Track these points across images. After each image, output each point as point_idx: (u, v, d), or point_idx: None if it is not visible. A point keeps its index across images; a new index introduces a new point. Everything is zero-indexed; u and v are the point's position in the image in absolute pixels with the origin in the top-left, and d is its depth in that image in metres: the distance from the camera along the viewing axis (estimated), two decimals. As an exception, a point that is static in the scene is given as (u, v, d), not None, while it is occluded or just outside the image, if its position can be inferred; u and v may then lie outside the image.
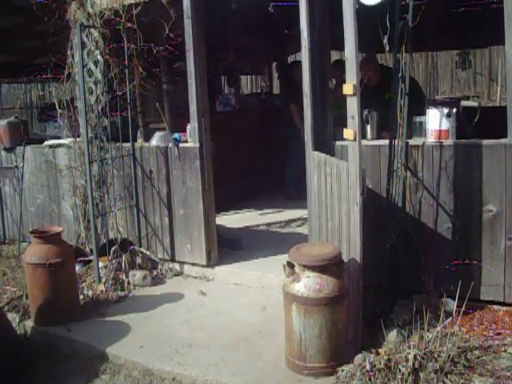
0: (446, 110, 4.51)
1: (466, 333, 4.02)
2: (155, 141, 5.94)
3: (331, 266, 3.72)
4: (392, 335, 3.97)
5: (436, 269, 4.43)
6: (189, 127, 5.67)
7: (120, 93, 5.82)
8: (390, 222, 4.50)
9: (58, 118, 6.41)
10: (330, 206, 4.40)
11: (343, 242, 4.16)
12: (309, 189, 4.92)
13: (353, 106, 3.79)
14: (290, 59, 11.69)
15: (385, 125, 5.39)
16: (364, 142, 4.52)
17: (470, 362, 3.63)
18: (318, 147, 4.78)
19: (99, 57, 5.75)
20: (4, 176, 7.39)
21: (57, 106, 6.24)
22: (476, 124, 4.66)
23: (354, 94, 3.75)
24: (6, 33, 7.45)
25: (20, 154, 7.15)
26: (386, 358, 3.58)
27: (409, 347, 3.63)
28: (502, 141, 4.25)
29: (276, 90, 12.58)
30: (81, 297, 5.23)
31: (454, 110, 4.54)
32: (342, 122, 4.12)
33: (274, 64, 11.87)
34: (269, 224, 7.24)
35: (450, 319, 3.87)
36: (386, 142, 4.58)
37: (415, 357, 3.49)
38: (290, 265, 3.81)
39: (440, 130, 4.51)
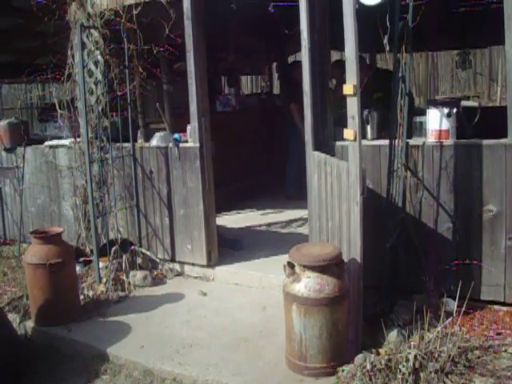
0: (446, 110, 4.51)
1: (466, 333, 4.02)
2: (155, 141, 5.94)
3: (331, 266, 3.72)
4: (392, 335, 3.97)
5: (436, 269, 4.43)
6: (189, 127, 5.67)
7: (120, 93, 5.82)
8: (391, 221, 4.50)
9: (58, 119, 6.41)
10: (330, 206, 4.41)
11: (343, 241, 4.16)
12: (309, 189, 4.92)
13: (353, 106, 3.79)
14: (290, 59, 11.69)
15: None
16: (364, 142, 4.52)
17: (471, 362, 3.63)
18: (318, 147, 4.78)
19: (99, 57, 5.75)
20: (4, 176, 7.39)
21: (57, 107, 6.24)
22: (476, 124, 4.66)
23: (354, 94, 3.75)
24: (7, 33, 7.45)
25: (20, 154, 7.16)
26: (386, 357, 3.58)
27: (409, 347, 3.63)
28: (502, 141, 4.25)
29: (276, 90, 12.58)
30: (81, 297, 5.23)
31: (455, 110, 4.54)
32: (342, 122, 4.12)
33: (274, 64, 11.88)
34: (269, 224, 7.24)
35: (450, 319, 3.87)
36: (386, 142, 4.58)
37: (416, 357, 3.49)
38: (291, 265, 3.81)
39: (440, 130, 4.51)
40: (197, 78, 5.47)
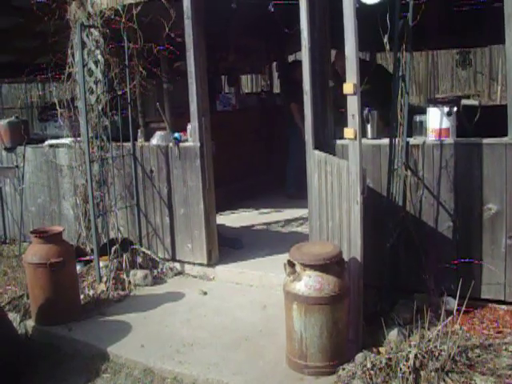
0: (446, 109, 4.51)
1: (466, 331, 4.03)
2: (156, 140, 5.94)
3: (332, 265, 3.72)
4: (393, 334, 3.97)
5: (437, 268, 4.43)
6: (189, 127, 5.67)
7: (120, 92, 5.82)
8: (391, 220, 4.50)
9: (58, 118, 6.41)
10: (330, 205, 4.41)
11: (344, 240, 4.16)
12: (309, 188, 4.92)
13: (353, 104, 3.79)
14: (290, 59, 11.70)
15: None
16: (364, 140, 4.52)
17: (471, 361, 3.63)
18: (318, 146, 4.78)
19: (99, 56, 5.74)
20: (4, 176, 7.39)
21: (57, 106, 6.24)
22: (476, 123, 4.66)
23: (354, 93, 3.75)
24: (7, 33, 7.45)
25: (20, 153, 7.16)
26: (386, 356, 3.58)
27: (410, 346, 3.63)
28: (503, 139, 4.25)
29: (276, 90, 12.58)
30: (82, 296, 5.23)
31: (455, 109, 4.54)
32: (343, 122, 4.12)
33: (275, 63, 11.88)
34: (269, 223, 7.24)
35: (450, 318, 3.87)
36: (386, 141, 4.58)
37: (416, 356, 3.49)
38: (291, 264, 3.82)
39: (440, 129, 4.51)
40: (197, 78, 5.47)
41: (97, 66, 5.78)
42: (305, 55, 4.65)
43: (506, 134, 4.22)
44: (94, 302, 5.23)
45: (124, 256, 5.70)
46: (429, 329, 3.77)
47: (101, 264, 5.59)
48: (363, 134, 4.65)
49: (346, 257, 3.97)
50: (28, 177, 7.19)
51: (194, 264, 5.84)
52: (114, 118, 5.90)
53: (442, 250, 4.54)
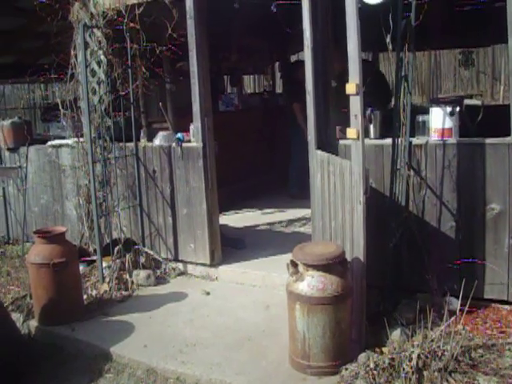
0: (449, 109, 4.51)
1: (469, 331, 4.03)
2: (158, 140, 5.94)
3: (335, 265, 3.72)
4: (396, 334, 3.97)
5: (440, 268, 4.43)
6: (192, 127, 5.68)
7: (123, 93, 5.83)
8: (394, 220, 4.50)
9: (61, 118, 6.42)
10: (333, 205, 4.40)
11: (347, 241, 4.16)
12: (312, 188, 4.92)
13: (356, 104, 3.79)
14: (293, 59, 11.69)
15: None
16: (367, 141, 4.52)
17: (474, 361, 3.63)
18: (321, 146, 4.77)
19: (102, 57, 5.75)
20: (8, 176, 7.40)
21: (60, 106, 6.25)
22: (479, 123, 4.66)
23: (357, 94, 3.75)
24: (10, 34, 7.47)
25: (23, 154, 7.17)
26: (389, 356, 3.58)
27: (412, 346, 3.63)
28: (506, 139, 4.24)
29: (279, 90, 12.58)
30: (84, 296, 5.24)
31: (457, 109, 4.54)
32: (345, 122, 4.12)
33: (277, 63, 11.88)
34: (272, 223, 7.24)
35: (453, 318, 3.86)
36: (389, 141, 4.58)
37: (419, 356, 3.49)
38: (294, 264, 3.82)
39: (443, 129, 4.51)
40: (200, 78, 5.47)
41: (99, 67, 5.79)
42: (307, 55, 4.65)
43: (508, 134, 4.21)
44: (97, 302, 5.23)
45: (127, 256, 5.71)
46: (432, 329, 3.77)
47: (104, 264, 5.60)
48: (366, 133, 4.65)
49: (348, 257, 3.97)
50: (31, 177, 7.20)
51: (196, 264, 5.85)
52: (116, 118, 5.90)
53: (445, 249, 4.54)
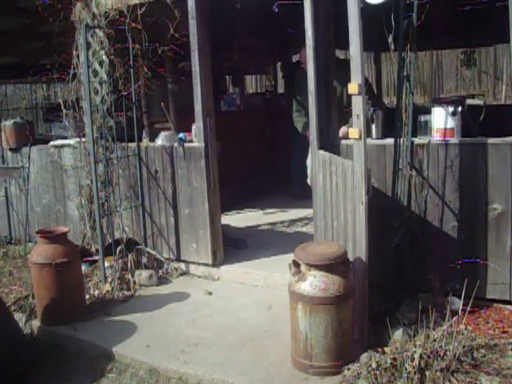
0: (451, 109, 4.51)
1: (471, 331, 4.02)
2: (160, 140, 5.95)
3: (337, 265, 3.72)
4: (398, 334, 3.97)
5: (442, 268, 4.43)
6: (194, 127, 5.68)
7: (125, 93, 5.83)
8: (396, 220, 4.50)
9: (63, 119, 6.43)
10: (335, 205, 4.41)
11: (349, 240, 4.16)
12: (314, 188, 4.92)
13: (358, 104, 3.79)
14: (295, 59, 11.68)
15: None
16: (369, 140, 4.51)
17: (476, 361, 3.63)
18: (323, 146, 4.78)
19: (104, 57, 5.76)
20: (10, 176, 7.41)
21: (62, 107, 6.26)
22: (481, 122, 4.66)
23: (359, 93, 3.75)
24: (12, 34, 7.48)
25: (26, 154, 7.18)
26: (391, 356, 3.57)
27: (415, 346, 3.63)
28: (508, 139, 4.25)
29: (281, 90, 12.57)
30: (87, 296, 5.24)
31: (460, 109, 4.54)
32: (347, 122, 4.12)
33: (279, 63, 11.88)
34: (274, 223, 7.24)
35: (455, 318, 3.86)
36: (391, 140, 4.58)
37: (421, 355, 3.49)
38: (296, 264, 3.82)
39: (445, 129, 4.51)
40: (202, 78, 5.47)
41: (102, 67, 5.79)
42: (309, 55, 4.66)
43: (510, 134, 4.22)
44: (99, 302, 5.24)
45: (129, 256, 5.71)
46: (434, 329, 3.76)
47: (106, 264, 5.60)
48: (368, 133, 4.65)
49: (350, 257, 3.97)
50: (33, 177, 7.21)
51: (198, 264, 5.85)
52: (118, 118, 5.91)
53: (447, 249, 4.54)
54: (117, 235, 5.91)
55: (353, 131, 3.85)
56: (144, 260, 5.86)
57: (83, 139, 6.26)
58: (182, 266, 5.96)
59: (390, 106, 12.85)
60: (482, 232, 4.42)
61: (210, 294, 5.34)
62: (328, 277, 3.68)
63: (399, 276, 4.52)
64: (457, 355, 3.53)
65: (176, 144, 5.78)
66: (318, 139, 4.78)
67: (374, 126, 4.99)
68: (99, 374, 4.14)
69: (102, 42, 5.74)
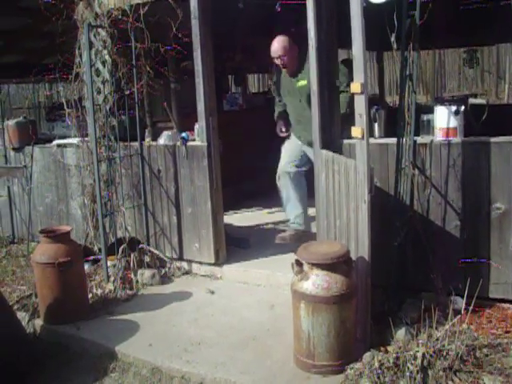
0: (453, 108, 4.50)
1: (474, 331, 4.02)
2: (163, 140, 5.95)
3: (339, 265, 3.72)
4: (400, 333, 3.97)
5: (444, 267, 4.43)
6: (197, 126, 5.68)
7: (128, 92, 5.84)
8: (398, 220, 4.49)
9: (66, 118, 6.44)
10: (337, 204, 4.41)
11: (351, 240, 4.16)
12: (316, 187, 4.92)
13: (361, 104, 3.79)
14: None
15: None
16: (372, 140, 4.51)
17: (479, 360, 3.62)
18: (325, 145, 4.78)
19: (107, 56, 5.76)
20: (13, 176, 7.43)
21: (65, 106, 6.27)
22: (484, 121, 4.65)
23: (361, 93, 3.75)
24: (14, 33, 7.50)
25: (28, 153, 7.19)
26: (394, 356, 3.58)
27: (417, 345, 3.62)
28: (511, 138, 4.24)
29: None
30: (89, 295, 5.25)
31: (462, 108, 4.53)
32: (350, 122, 4.11)
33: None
34: (276, 222, 7.22)
35: (458, 317, 3.86)
36: (393, 140, 4.58)
37: (424, 355, 3.49)
38: (298, 263, 3.82)
39: (448, 128, 4.50)
40: (204, 77, 5.47)
41: (104, 66, 5.80)
42: (312, 55, 4.66)
43: (513, 133, 4.22)
44: (102, 301, 5.24)
45: (132, 255, 5.72)
46: (436, 328, 3.77)
47: (108, 263, 5.61)
48: (370, 133, 4.65)
49: (353, 256, 3.97)
50: (36, 176, 7.22)
51: (201, 263, 5.85)
52: (121, 117, 5.92)
53: (450, 249, 4.53)
54: (119, 234, 5.92)
55: (355, 130, 3.85)
56: (147, 259, 5.87)
57: (86, 138, 6.27)
58: (185, 265, 5.96)
59: (392, 105, 12.86)
60: (485, 231, 4.41)
61: (213, 293, 5.34)
62: (331, 276, 3.68)
63: (402, 275, 4.52)
64: (459, 355, 3.53)
65: (179, 143, 5.78)
66: (321, 138, 4.77)
67: (376, 125, 4.99)
68: (102, 373, 4.14)
69: (105, 41, 5.74)
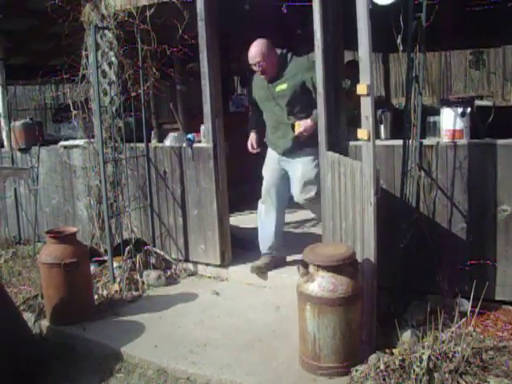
0: (460, 110, 4.49)
1: (480, 333, 4.01)
2: (169, 141, 5.96)
3: (345, 266, 3.72)
4: (406, 335, 3.96)
5: (450, 269, 4.42)
6: (202, 128, 5.69)
7: (134, 94, 5.85)
8: (404, 222, 4.49)
9: (72, 119, 6.45)
10: (343, 206, 4.40)
11: (357, 241, 4.15)
12: (322, 189, 4.92)
13: (367, 106, 3.79)
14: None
15: (260, 120, 5.54)
16: (378, 141, 4.51)
17: (485, 363, 3.61)
18: (331, 147, 4.77)
19: (113, 58, 5.78)
20: (19, 177, 7.45)
21: (71, 107, 6.29)
22: (490, 123, 4.64)
23: (368, 94, 3.74)
24: (21, 35, 7.53)
25: (35, 154, 7.21)
26: (400, 358, 3.57)
27: (423, 347, 3.61)
28: (517, 140, 4.24)
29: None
30: (95, 296, 5.26)
31: (468, 110, 4.52)
32: (356, 123, 4.11)
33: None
34: (282, 224, 7.22)
35: (464, 320, 3.85)
36: (399, 142, 4.57)
37: (429, 357, 3.48)
38: (304, 265, 3.82)
39: (454, 130, 4.50)
40: (210, 79, 5.48)
41: (110, 68, 5.81)
42: (318, 56, 4.66)
43: (520, 135, 4.21)
44: (108, 302, 5.25)
45: (137, 256, 5.73)
46: (442, 330, 3.75)
47: (114, 264, 5.62)
48: (376, 134, 4.64)
49: (359, 258, 3.97)
50: (42, 178, 7.24)
51: (207, 265, 5.86)
52: (127, 119, 5.93)
53: (456, 251, 4.53)
54: (125, 235, 5.93)
55: (361, 132, 3.85)
56: (152, 260, 5.88)
57: (92, 140, 6.29)
58: (191, 266, 5.97)
59: (398, 106, 12.84)
60: (491, 233, 4.40)
61: (218, 294, 5.35)
62: (336, 278, 3.68)
63: (407, 277, 4.51)
64: (465, 357, 3.52)
65: (185, 145, 5.79)
66: (327, 140, 4.77)
67: (382, 127, 4.99)
68: (107, 373, 4.15)
69: (111, 43, 5.76)
